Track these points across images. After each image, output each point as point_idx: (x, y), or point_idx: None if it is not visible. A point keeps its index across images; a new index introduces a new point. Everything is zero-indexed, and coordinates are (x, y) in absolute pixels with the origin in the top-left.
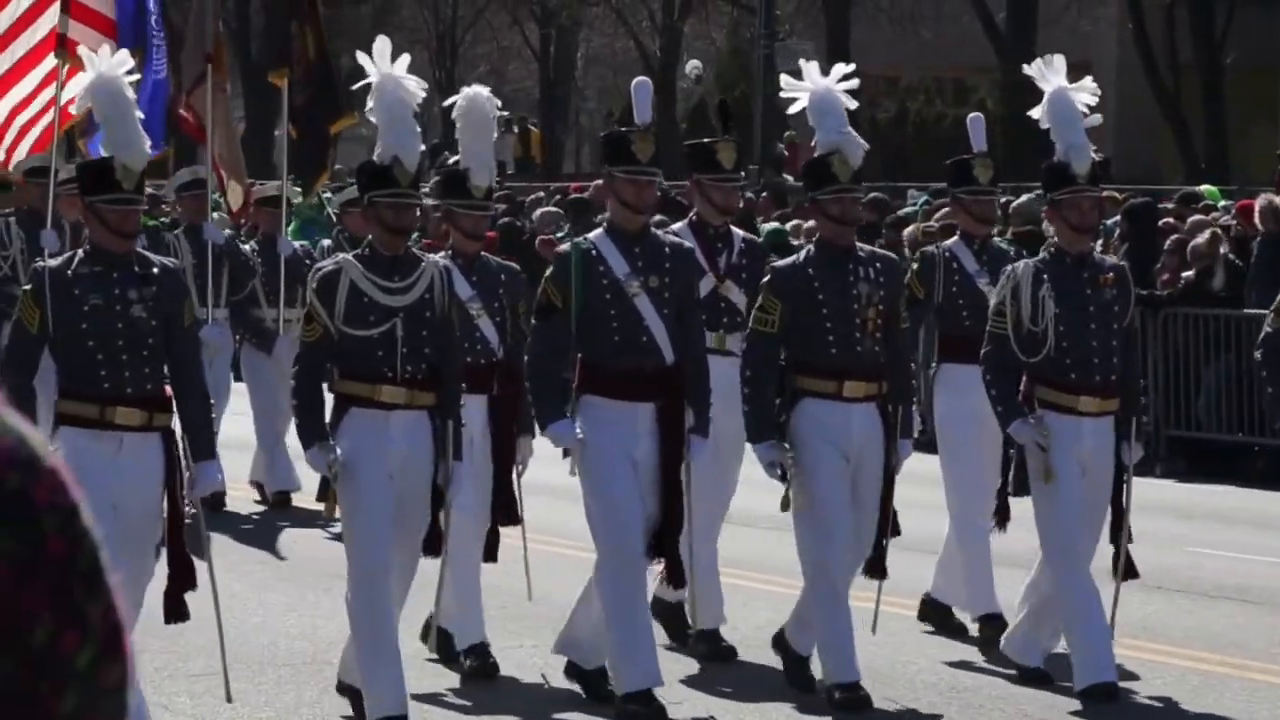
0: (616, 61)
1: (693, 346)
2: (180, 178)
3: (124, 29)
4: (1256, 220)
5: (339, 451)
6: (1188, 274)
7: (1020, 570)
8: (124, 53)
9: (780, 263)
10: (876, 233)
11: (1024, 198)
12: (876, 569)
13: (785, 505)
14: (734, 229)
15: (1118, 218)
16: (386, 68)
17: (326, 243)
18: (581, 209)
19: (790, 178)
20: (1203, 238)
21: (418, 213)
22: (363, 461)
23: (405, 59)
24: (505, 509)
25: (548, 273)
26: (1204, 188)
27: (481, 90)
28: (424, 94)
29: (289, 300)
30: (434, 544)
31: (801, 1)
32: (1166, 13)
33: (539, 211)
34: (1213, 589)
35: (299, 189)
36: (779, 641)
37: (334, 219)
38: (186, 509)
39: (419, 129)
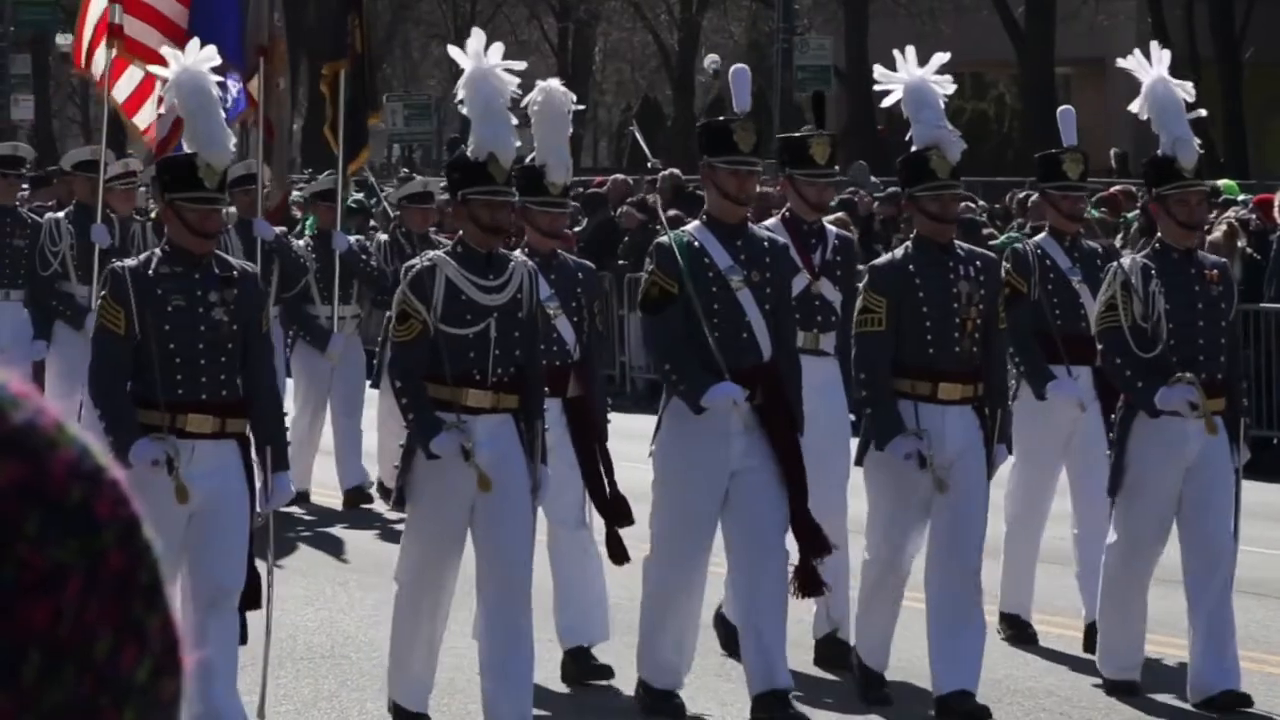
0: (634, 55)
1: (786, 343)
2: (232, 172)
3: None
4: (1276, 214)
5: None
6: None
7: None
8: (211, 48)
9: (879, 260)
10: (895, 228)
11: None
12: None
13: (941, 488)
14: (827, 225)
15: (1137, 212)
16: (481, 60)
17: (382, 237)
18: (598, 204)
19: None
20: (1219, 232)
21: (512, 211)
22: (446, 468)
23: (498, 48)
24: (614, 509)
25: (651, 265)
26: (1222, 182)
27: (557, 84)
28: (517, 87)
29: (343, 297)
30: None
31: None
32: (1185, 8)
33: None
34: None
35: (356, 183)
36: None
37: (389, 215)
38: (257, 521)
39: (515, 122)
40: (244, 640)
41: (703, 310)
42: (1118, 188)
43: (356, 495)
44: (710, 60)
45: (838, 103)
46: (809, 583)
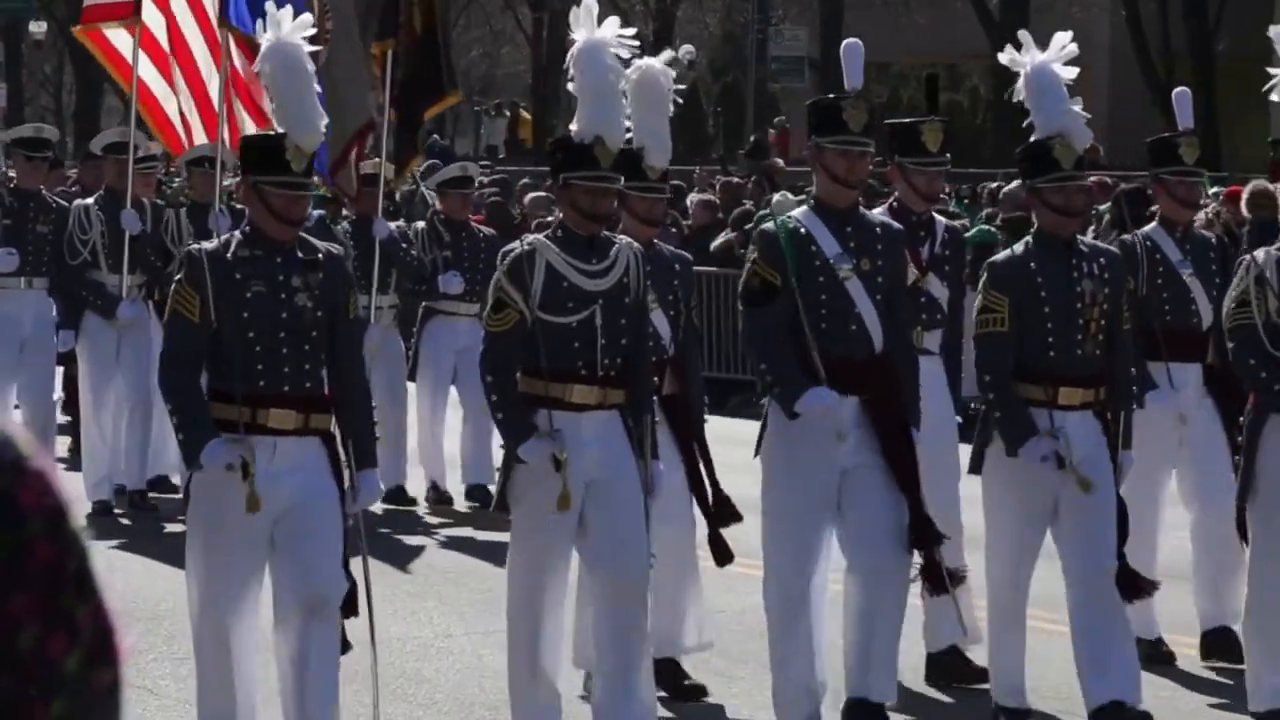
0: None
1: (901, 334)
2: None
3: None
4: (1244, 207)
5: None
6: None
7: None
8: (306, 16)
9: (998, 256)
10: None
11: (1014, 184)
12: (1131, 589)
13: (1087, 488)
14: (936, 216)
15: (1109, 204)
16: (593, 31)
17: (420, 225)
18: None
19: (780, 161)
20: (1198, 221)
21: (616, 198)
22: (547, 471)
23: (614, 20)
24: (719, 509)
25: (754, 254)
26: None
27: (655, 62)
28: (632, 60)
29: (382, 286)
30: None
31: None
32: (1159, 0)
33: (530, 196)
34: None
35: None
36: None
37: (428, 201)
38: (347, 522)
39: (624, 102)
40: (346, 649)
41: (809, 302)
42: (1092, 179)
43: (397, 495)
44: (685, 50)
45: (812, 93)
46: (935, 581)
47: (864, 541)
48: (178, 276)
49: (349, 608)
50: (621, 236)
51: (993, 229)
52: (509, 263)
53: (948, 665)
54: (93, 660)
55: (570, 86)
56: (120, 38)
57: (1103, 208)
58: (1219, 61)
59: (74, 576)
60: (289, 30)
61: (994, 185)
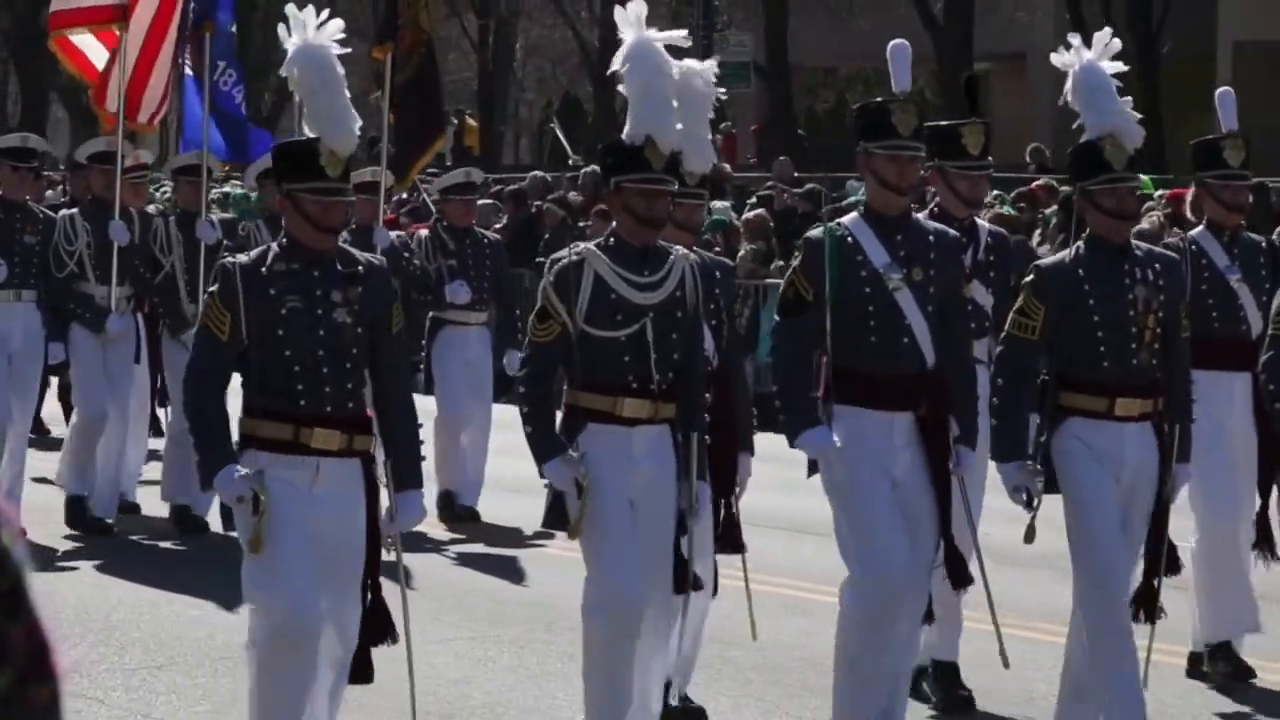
0: (555, 52)
1: (957, 347)
2: (265, 163)
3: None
4: (1188, 210)
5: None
6: None
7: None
8: (337, 21)
9: (1045, 261)
10: (814, 223)
11: None
12: (1149, 610)
13: (1029, 537)
14: (979, 221)
15: (1055, 208)
16: (641, 31)
17: (423, 233)
18: (520, 200)
19: (727, 166)
20: (1149, 222)
21: (671, 201)
22: (605, 487)
23: (681, 34)
24: (726, 536)
25: (796, 262)
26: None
27: (695, 63)
28: (676, 65)
29: None
30: (682, 578)
31: None
32: (1103, 3)
33: (479, 203)
34: None
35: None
36: None
37: (431, 207)
38: (386, 544)
39: (674, 103)
40: (369, 679)
41: (856, 313)
42: (1039, 183)
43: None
44: None
45: (757, 99)
46: (958, 575)
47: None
48: (210, 289)
49: (383, 632)
50: (678, 247)
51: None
52: (556, 272)
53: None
54: (26, 679)
55: (620, 88)
56: (87, 42)
57: (1049, 211)
58: (1162, 64)
59: (5, 597)
60: (317, 32)
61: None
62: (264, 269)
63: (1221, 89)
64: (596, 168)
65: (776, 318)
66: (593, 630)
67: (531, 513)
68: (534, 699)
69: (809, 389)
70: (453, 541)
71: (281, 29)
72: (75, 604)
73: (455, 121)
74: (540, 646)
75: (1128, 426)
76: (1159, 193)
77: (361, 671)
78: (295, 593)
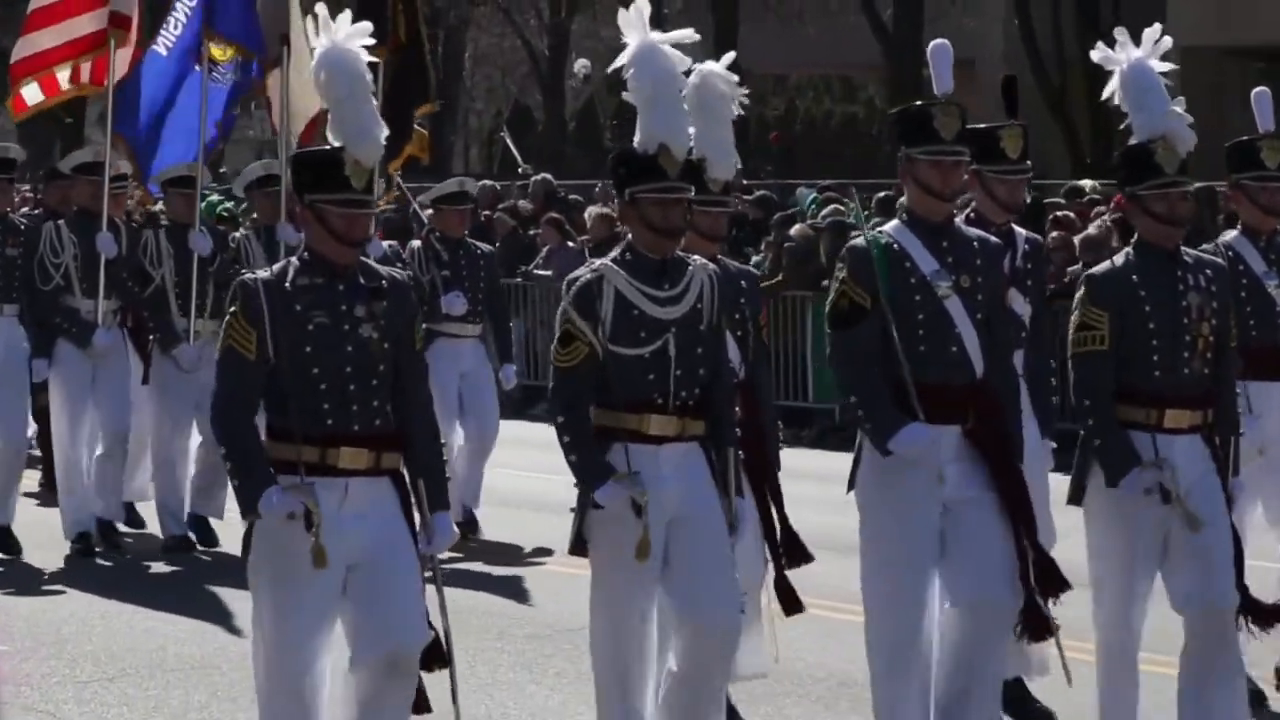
0: (504, 61)
1: (1003, 358)
2: (252, 172)
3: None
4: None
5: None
6: (1074, 267)
7: None
8: (365, 24)
9: (1097, 269)
10: (765, 230)
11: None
12: (1267, 617)
13: (1194, 524)
14: (1016, 228)
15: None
16: (645, 34)
17: (415, 244)
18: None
19: None
20: (1095, 227)
21: (688, 210)
22: (627, 510)
23: (690, 33)
24: (788, 549)
25: (842, 273)
26: (1085, 182)
27: (716, 67)
28: (690, 61)
29: None
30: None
31: None
32: (1052, 9)
33: (429, 212)
34: None
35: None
36: None
37: (421, 218)
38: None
39: (685, 106)
40: (426, 709)
41: (905, 324)
42: None
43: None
44: (580, 65)
45: None
46: (1037, 626)
47: (970, 574)
48: (231, 309)
49: (434, 659)
50: (696, 258)
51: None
52: (576, 292)
53: (1011, 698)
54: None
55: (626, 95)
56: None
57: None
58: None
59: None
60: (345, 35)
61: (881, 195)
62: (287, 284)
63: (1258, 89)
64: (547, 176)
65: (830, 331)
66: (599, 647)
67: (491, 523)
68: (485, 709)
69: (884, 391)
70: (451, 559)
71: (310, 26)
72: (27, 617)
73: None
74: (492, 655)
75: (1177, 439)
76: (1099, 197)
77: (417, 700)
78: (299, 649)
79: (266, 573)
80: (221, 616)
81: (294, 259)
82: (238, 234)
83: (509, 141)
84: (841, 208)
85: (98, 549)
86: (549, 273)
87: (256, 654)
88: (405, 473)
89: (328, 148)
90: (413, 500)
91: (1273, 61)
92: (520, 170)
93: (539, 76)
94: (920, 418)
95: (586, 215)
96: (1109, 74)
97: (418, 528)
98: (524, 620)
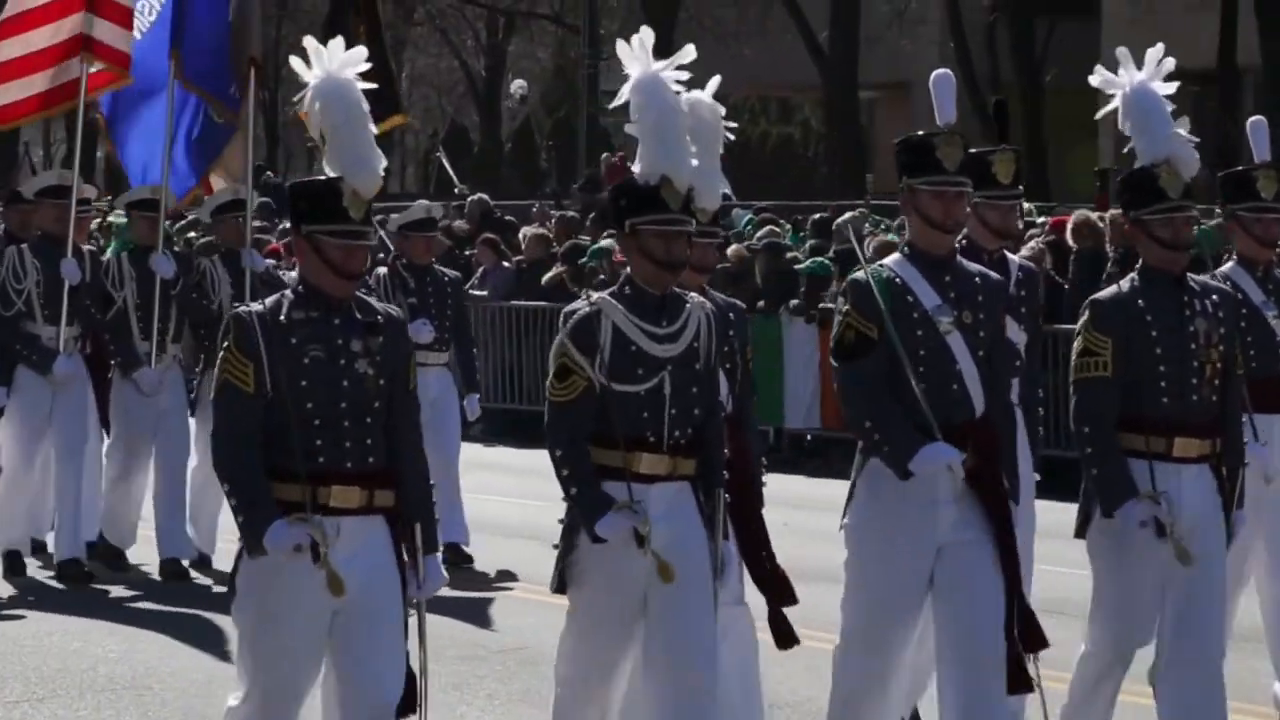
0: (441, 81)
1: (1002, 396)
2: (218, 197)
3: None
4: (1069, 237)
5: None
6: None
7: None
8: (360, 50)
9: (1101, 294)
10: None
11: (846, 215)
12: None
13: (1186, 559)
14: (1009, 255)
15: None
16: (648, 65)
17: (381, 271)
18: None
19: None
20: (1029, 249)
21: (689, 243)
22: (618, 548)
23: (690, 51)
24: (776, 587)
25: (845, 306)
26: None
27: (704, 96)
28: (684, 96)
29: None
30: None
31: (626, 20)
32: (987, 31)
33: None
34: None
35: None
36: None
37: (388, 244)
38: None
39: (687, 138)
40: None
41: (907, 358)
42: None
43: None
44: (517, 86)
45: None
46: (1019, 680)
47: (964, 627)
48: (225, 344)
49: (407, 704)
50: (694, 295)
51: (826, 261)
52: (574, 325)
53: None
54: None
55: (628, 128)
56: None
57: None
58: (1047, 92)
59: None
60: (339, 65)
61: (816, 216)
62: (282, 317)
63: (1253, 118)
64: (483, 196)
65: (837, 365)
66: (566, 689)
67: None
68: None
69: (899, 414)
70: None
71: (297, 62)
72: None
73: None
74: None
75: (1186, 469)
76: (1041, 219)
77: None
78: (283, 691)
79: (252, 616)
80: (152, 637)
81: (288, 292)
82: (202, 259)
83: (445, 161)
84: (777, 229)
85: (27, 571)
86: (485, 293)
87: (241, 696)
88: (398, 512)
89: (325, 178)
90: (403, 541)
91: (1207, 85)
92: (456, 190)
93: (475, 97)
94: (938, 438)
95: (522, 235)
96: (1045, 97)
97: (408, 570)
98: (456, 641)
